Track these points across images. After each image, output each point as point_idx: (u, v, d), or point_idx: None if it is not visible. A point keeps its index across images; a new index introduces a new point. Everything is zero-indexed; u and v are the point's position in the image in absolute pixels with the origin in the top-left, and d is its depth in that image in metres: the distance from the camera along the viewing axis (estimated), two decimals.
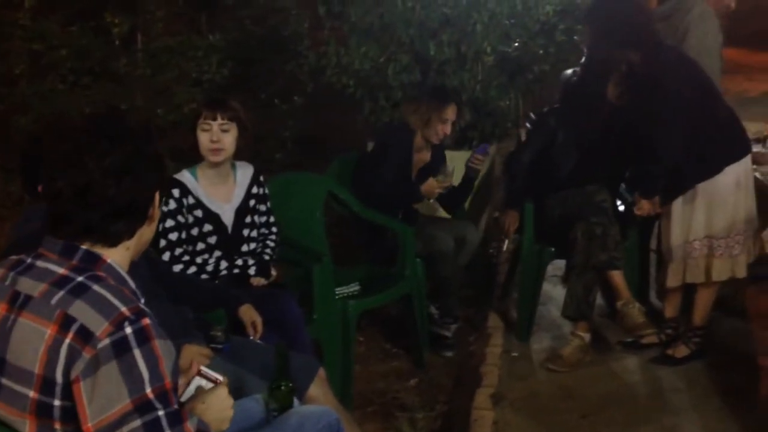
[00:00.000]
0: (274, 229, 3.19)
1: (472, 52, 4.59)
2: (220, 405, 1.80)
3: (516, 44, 4.99)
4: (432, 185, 3.79)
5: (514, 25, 4.85)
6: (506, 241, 4.11)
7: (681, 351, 3.67)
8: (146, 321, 1.53)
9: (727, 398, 3.35)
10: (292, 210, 3.49)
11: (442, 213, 4.39)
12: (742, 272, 3.57)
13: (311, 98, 5.93)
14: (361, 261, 3.89)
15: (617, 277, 3.63)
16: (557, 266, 4.48)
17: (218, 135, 2.93)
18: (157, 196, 1.70)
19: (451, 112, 3.88)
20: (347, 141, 5.48)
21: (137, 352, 1.50)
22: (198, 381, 1.91)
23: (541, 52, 5.11)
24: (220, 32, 5.46)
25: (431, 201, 3.98)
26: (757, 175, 3.86)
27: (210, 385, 1.90)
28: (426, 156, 4.00)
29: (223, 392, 1.83)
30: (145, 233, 1.71)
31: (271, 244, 3.15)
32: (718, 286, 3.64)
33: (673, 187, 3.54)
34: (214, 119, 2.92)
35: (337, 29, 4.81)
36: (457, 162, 4.54)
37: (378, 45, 4.59)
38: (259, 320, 2.67)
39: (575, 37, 6.45)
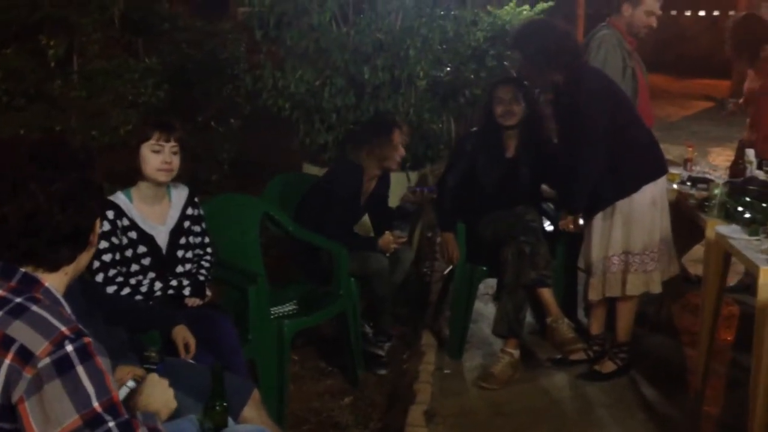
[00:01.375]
0: (209, 250, 3.20)
1: (406, 77, 4.69)
2: (159, 390, 1.87)
3: (448, 69, 5.13)
4: (388, 240, 3.85)
5: (446, 51, 4.99)
6: (450, 267, 4.16)
7: (607, 367, 3.81)
8: (87, 339, 1.56)
9: (653, 412, 3.49)
10: (228, 231, 3.51)
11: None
12: (656, 288, 3.71)
13: (248, 121, 5.97)
14: (296, 281, 3.92)
15: (547, 294, 3.74)
16: (489, 285, 4.59)
17: (170, 156, 2.98)
18: (98, 222, 1.73)
19: (398, 136, 3.98)
20: (284, 162, 5.53)
21: (80, 369, 1.52)
22: (125, 389, 1.96)
23: (472, 76, 5.28)
24: (156, 55, 5.47)
25: (364, 219, 4.02)
26: (675, 196, 4.03)
27: (135, 384, 1.96)
28: (373, 184, 4.06)
29: (154, 377, 1.91)
30: (84, 258, 1.74)
31: (206, 265, 3.17)
32: (636, 302, 3.77)
33: (593, 204, 3.68)
34: (167, 141, 2.98)
35: (273, 53, 4.87)
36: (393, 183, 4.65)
37: (313, 69, 4.65)
38: (192, 341, 2.68)
39: (505, 63, 6.67)
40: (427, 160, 5.14)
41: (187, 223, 3.12)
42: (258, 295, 3.19)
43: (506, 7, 7.61)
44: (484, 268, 4.01)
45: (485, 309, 4.57)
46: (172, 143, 2.98)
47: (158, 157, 2.97)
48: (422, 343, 4.10)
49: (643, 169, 3.65)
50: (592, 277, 3.75)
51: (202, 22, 6.30)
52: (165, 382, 1.89)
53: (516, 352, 3.80)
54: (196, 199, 3.18)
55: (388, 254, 3.84)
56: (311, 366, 3.90)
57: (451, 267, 4.21)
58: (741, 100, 5.13)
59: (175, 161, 3.00)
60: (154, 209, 3.06)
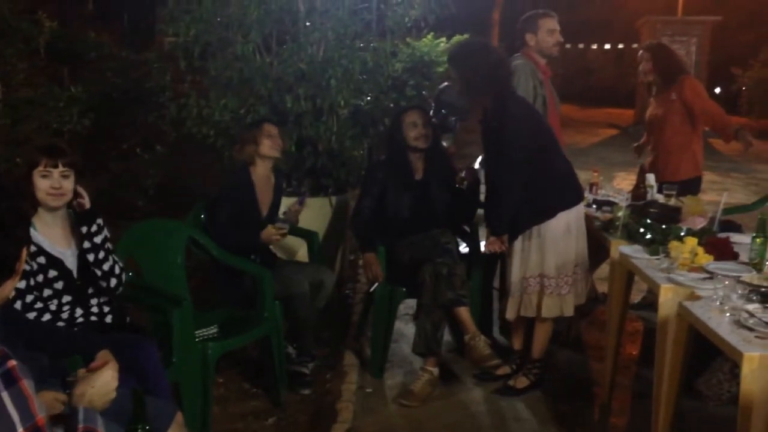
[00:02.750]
0: (117, 270, 3.18)
1: (327, 105, 4.81)
2: (105, 385, 1.99)
3: (368, 98, 5.29)
4: (270, 232, 3.96)
5: (367, 81, 5.14)
6: (375, 284, 4.25)
7: (521, 382, 3.98)
8: (12, 363, 1.55)
9: (564, 424, 3.65)
10: (153, 256, 3.55)
11: (300, 256, 4.56)
12: (569, 311, 3.89)
13: (174, 148, 5.99)
14: (222, 304, 3.97)
15: (464, 313, 3.88)
16: (409, 305, 4.73)
17: (59, 181, 2.97)
18: (24, 250, 1.74)
19: (268, 127, 4.09)
20: (209, 188, 5.56)
21: (5, 395, 1.52)
22: None
23: (391, 105, 5.45)
24: (82, 84, 5.46)
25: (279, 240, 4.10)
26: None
27: None
28: (270, 194, 4.14)
29: (109, 373, 2.02)
30: (9, 286, 1.74)
31: (115, 282, 3.15)
32: (552, 322, 3.96)
33: (513, 227, 3.86)
34: (55, 166, 2.97)
35: (198, 82, 4.94)
36: (312, 206, 4.75)
37: (237, 97, 4.74)
38: (115, 367, 2.71)
39: (423, 92, 6.88)
40: (349, 185, 5.26)
41: (89, 244, 3.11)
42: (182, 319, 3.23)
43: (424, 39, 7.85)
44: (404, 289, 4.14)
45: (405, 329, 4.70)
46: (61, 168, 2.97)
47: (47, 182, 2.96)
48: (344, 363, 4.19)
49: (560, 197, 3.82)
50: (510, 297, 3.92)
51: (129, 52, 6.32)
52: (115, 381, 2.00)
53: (435, 370, 3.93)
54: (99, 221, 3.15)
55: (271, 245, 3.95)
56: (235, 387, 3.94)
57: (372, 288, 4.33)
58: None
59: (66, 185, 2.98)
60: (58, 233, 3.05)
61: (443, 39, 8.17)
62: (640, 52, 5.18)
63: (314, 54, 4.86)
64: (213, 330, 3.56)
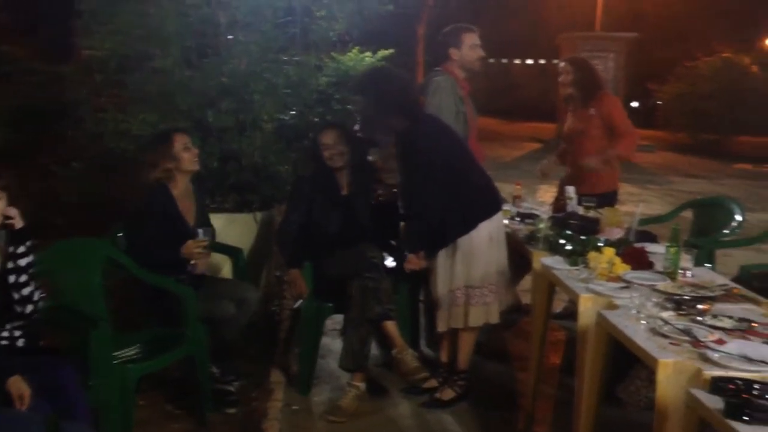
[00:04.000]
0: (36, 297, 3.08)
1: (251, 120, 4.77)
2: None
3: (293, 112, 5.26)
4: (190, 247, 3.85)
5: (291, 95, 5.11)
6: (300, 301, 4.22)
7: (448, 394, 4.00)
8: None
9: None
10: (70, 276, 3.44)
11: (225, 272, 4.48)
12: (495, 318, 3.96)
13: (93, 163, 5.81)
14: (144, 324, 3.87)
15: (391, 327, 3.89)
16: (336, 320, 4.70)
17: None
18: None
19: (180, 138, 3.97)
20: (129, 205, 5.40)
21: None
22: None
23: (316, 119, 5.43)
24: None
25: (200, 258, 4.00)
26: (509, 230, 4.31)
27: None
28: (192, 205, 4.05)
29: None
30: None
31: (31, 309, 3.05)
32: (476, 332, 4.01)
33: (436, 242, 3.89)
34: None
35: (116, 96, 4.82)
36: (237, 222, 4.69)
37: (157, 112, 4.64)
38: (27, 393, 2.61)
39: (349, 106, 6.89)
40: (275, 201, 5.21)
41: (12, 264, 3.01)
42: (100, 340, 3.14)
43: (350, 54, 7.87)
44: (331, 305, 4.12)
45: (333, 344, 4.67)
46: None
47: None
48: (271, 380, 4.14)
49: (479, 208, 3.89)
50: (439, 310, 3.95)
51: (46, 65, 6.13)
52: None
53: (362, 385, 3.92)
54: (30, 243, 3.04)
55: (193, 261, 3.85)
56: (158, 409, 3.83)
57: (298, 304, 4.29)
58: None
59: None
60: None
61: (368, 53, 8.20)
62: (562, 64, 5.27)
63: (237, 68, 4.81)
64: (134, 351, 3.47)
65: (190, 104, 4.62)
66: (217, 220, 4.32)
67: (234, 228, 4.64)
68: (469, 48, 4.54)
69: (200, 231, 3.87)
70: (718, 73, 19.67)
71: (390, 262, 4.36)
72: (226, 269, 4.48)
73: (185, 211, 3.99)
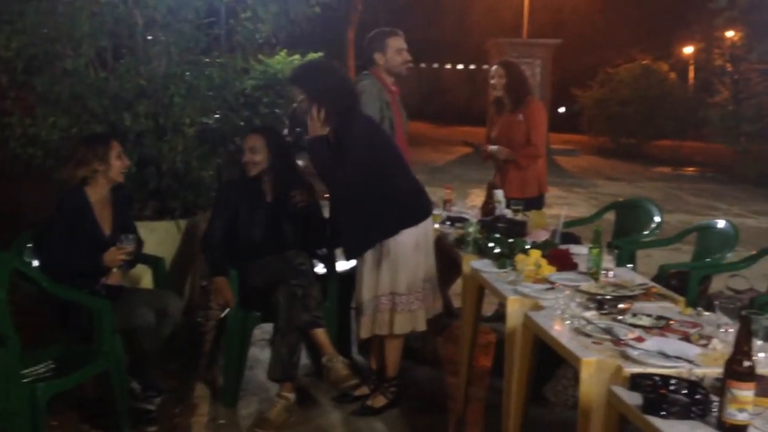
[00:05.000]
0: None
1: (171, 124, 4.62)
2: None
3: (216, 116, 5.13)
4: (113, 254, 3.70)
5: (214, 98, 4.98)
6: (227, 310, 4.11)
7: (379, 401, 3.94)
8: None
9: None
10: None
11: (146, 283, 4.33)
12: (421, 326, 3.89)
13: (2, 170, 5.54)
14: (55, 339, 3.68)
15: (321, 334, 3.81)
16: (265, 330, 4.60)
17: None
18: None
19: (117, 147, 3.85)
20: (40, 213, 5.17)
21: None
22: None
23: (242, 123, 5.32)
24: None
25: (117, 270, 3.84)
26: (439, 234, 4.29)
27: None
28: (110, 212, 3.89)
29: None
30: None
31: None
32: (403, 339, 3.95)
33: (359, 242, 3.82)
34: None
35: (22, 99, 4.59)
36: (157, 230, 4.53)
37: (68, 115, 4.44)
38: None
39: (277, 110, 6.78)
40: (198, 207, 5.07)
41: None
42: (6, 358, 2.96)
43: (277, 56, 7.77)
44: (258, 314, 4.02)
45: (261, 354, 4.56)
46: None
47: None
48: (195, 395, 4.02)
49: (406, 214, 3.83)
50: (363, 316, 3.89)
51: None
52: None
53: (292, 395, 3.82)
54: None
55: (115, 269, 3.72)
56: (72, 430, 3.65)
57: (225, 313, 4.17)
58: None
59: None
60: None
61: (297, 56, 8.11)
62: (495, 67, 5.31)
63: (155, 69, 4.65)
64: (44, 369, 3.29)
65: (104, 107, 4.44)
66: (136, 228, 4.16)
67: (155, 236, 4.48)
68: (395, 52, 4.52)
69: (123, 237, 3.72)
70: (638, 80, 20.33)
71: (320, 268, 4.30)
72: (147, 280, 4.32)
73: (101, 219, 3.83)
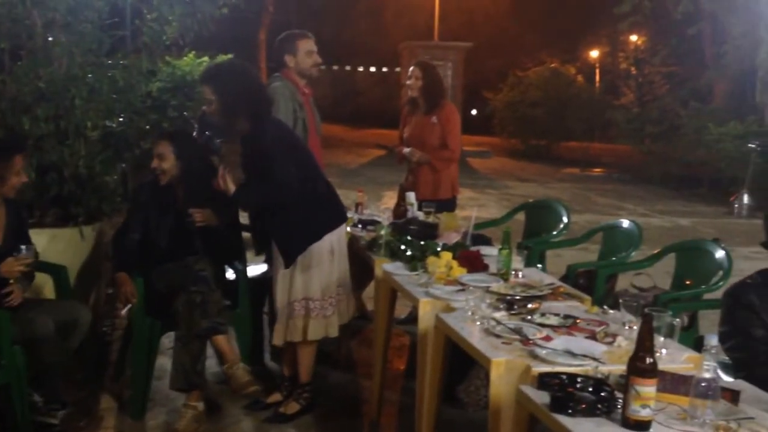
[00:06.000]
0: None
1: (73, 127, 4.46)
2: None
3: (121, 119, 4.97)
4: (11, 265, 3.54)
5: (118, 101, 4.83)
6: (128, 306, 3.99)
7: (292, 407, 3.90)
8: None
9: None
10: None
11: (47, 292, 4.16)
12: (334, 332, 3.87)
13: None
14: None
15: (222, 341, 3.74)
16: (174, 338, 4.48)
17: None
18: None
19: (20, 161, 3.68)
20: None
21: None
22: None
23: (147, 127, 5.18)
24: None
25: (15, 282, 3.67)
26: (351, 237, 4.27)
27: None
28: (2, 222, 3.72)
29: None
30: None
31: None
32: (316, 344, 3.92)
33: (293, 251, 3.74)
34: None
35: None
36: (59, 238, 4.36)
37: None
38: None
39: (186, 113, 6.64)
40: (103, 214, 4.90)
41: None
42: None
43: (185, 58, 7.62)
44: (160, 322, 3.91)
45: (169, 364, 4.40)
46: None
47: None
48: (101, 407, 3.91)
49: (325, 220, 3.80)
50: (277, 323, 3.84)
51: None
52: None
53: (200, 405, 3.74)
54: None
55: (11, 280, 3.56)
56: None
57: (125, 310, 4.07)
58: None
59: None
60: None
61: (206, 58, 7.98)
62: (412, 67, 5.35)
63: (55, 71, 4.48)
64: None
65: (2, 111, 4.25)
66: (37, 236, 3.99)
67: (56, 244, 4.31)
68: (305, 54, 4.50)
69: (23, 248, 3.55)
70: (546, 82, 20.89)
71: (231, 274, 4.22)
72: (48, 289, 4.15)
73: None
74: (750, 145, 12.48)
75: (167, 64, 7.20)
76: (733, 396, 2.21)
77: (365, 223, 4.57)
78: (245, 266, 4.30)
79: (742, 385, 2.32)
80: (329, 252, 3.81)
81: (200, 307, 3.69)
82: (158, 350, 4.09)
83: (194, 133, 6.54)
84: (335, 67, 28.58)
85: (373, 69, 28.73)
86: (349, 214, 4.57)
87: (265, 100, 3.80)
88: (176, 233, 4.01)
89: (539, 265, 4.49)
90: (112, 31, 4.91)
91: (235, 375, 3.68)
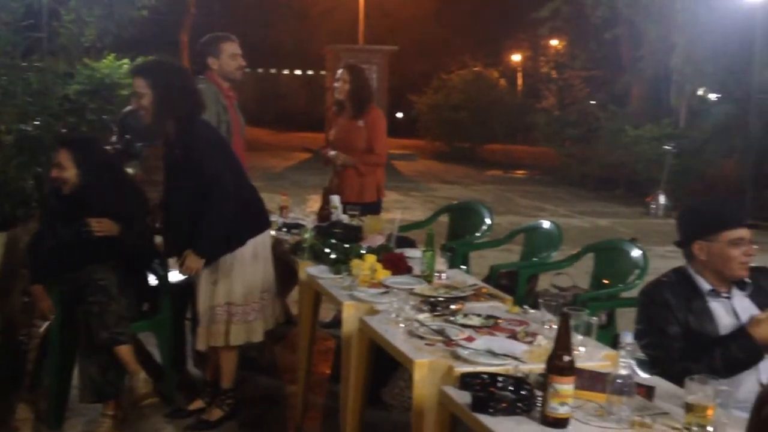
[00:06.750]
0: None
1: None
2: None
3: (37, 123, 4.83)
4: None
5: (33, 104, 4.69)
6: (46, 324, 3.88)
7: (215, 414, 3.84)
8: None
9: None
10: None
11: None
12: (257, 337, 3.83)
13: None
14: None
15: (123, 352, 3.64)
16: None
17: None
18: None
19: None
20: None
21: None
22: None
23: (65, 130, 5.04)
24: None
25: None
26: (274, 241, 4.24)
27: None
28: None
29: None
30: None
31: None
32: (237, 350, 3.86)
33: (217, 254, 3.67)
34: None
35: None
36: None
37: None
38: None
39: (105, 117, 6.49)
40: (18, 219, 4.74)
41: None
42: None
43: (105, 61, 7.45)
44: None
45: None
46: None
47: None
48: (16, 418, 3.79)
49: (249, 224, 3.76)
50: (199, 327, 3.77)
51: None
52: None
53: (118, 413, 3.67)
54: None
55: None
56: None
57: (45, 326, 3.95)
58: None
59: None
60: None
61: (126, 60, 7.81)
62: (340, 70, 5.34)
63: None
64: None
65: None
66: None
67: None
68: (229, 57, 4.45)
69: None
70: (470, 86, 21.20)
71: (153, 280, 4.13)
72: None
73: None
74: (665, 146, 12.93)
75: (86, 67, 7.04)
76: (648, 392, 2.27)
77: (289, 227, 4.54)
78: (167, 272, 4.22)
79: (656, 381, 2.40)
80: (252, 257, 3.77)
81: (98, 317, 3.60)
82: (76, 359, 3.97)
83: (114, 137, 6.40)
84: (260, 70, 28.32)
85: (298, 72, 28.58)
86: (274, 218, 4.54)
87: (199, 100, 3.74)
88: (81, 242, 3.88)
89: (463, 267, 4.55)
90: (28, 33, 4.76)
91: (133, 387, 3.60)
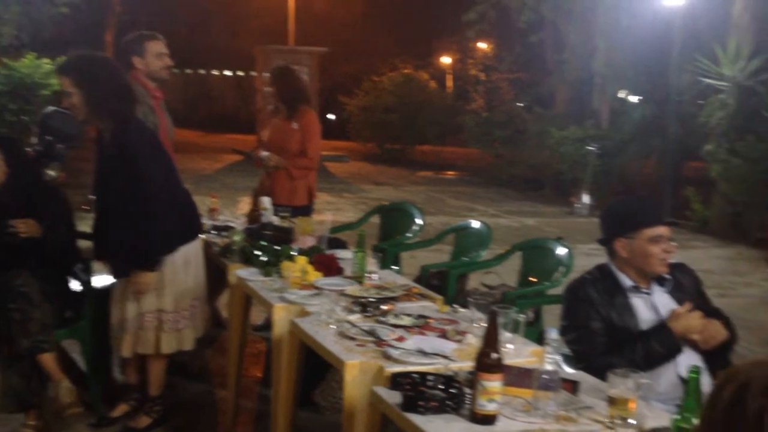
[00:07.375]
0: None
1: None
2: None
3: None
4: None
5: None
6: None
7: (143, 421, 3.76)
8: None
9: None
10: None
11: None
12: (188, 345, 3.77)
13: None
14: None
15: (46, 360, 3.54)
16: None
17: None
18: None
19: None
20: None
21: None
22: None
23: None
24: None
25: None
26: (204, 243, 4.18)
27: None
28: None
29: None
30: None
31: None
32: (166, 358, 3.79)
33: (140, 262, 3.57)
34: None
35: None
36: None
37: None
38: None
39: (24, 117, 6.29)
40: None
41: None
42: None
43: (24, 60, 7.24)
44: None
45: None
46: None
47: None
48: None
49: (182, 230, 3.69)
50: (126, 333, 3.68)
51: None
52: None
53: (40, 423, 3.57)
54: None
55: None
56: None
57: None
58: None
59: None
60: None
61: (47, 59, 7.59)
62: (272, 71, 5.31)
63: None
64: None
65: None
66: None
67: None
68: (154, 56, 4.36)
69: None
70: (400, 88, 21.32)
71: (77, 285, 4.01)
72: None
73: None
74: (588, 147, 13.29)
75: (4, 67, 6.82)
76: (573, 387, 2.33)
77: (219, 229, 4.48)
78: (90, 276, 4.10)
79: (581, 376, 2.46)
80: (184, 263, 3.70)
81: (19, 324, 3.49)
82: None
83: (34, 139, 6.19)
84: (188, 71, 27.85)
85: (228, 73, 28.22)
86: (203, 221, 4.47)
87: (132, 97, 3.62)
88: (2, 245, 3.74)
89: (394, 267, 4.58)
90: None
91: (58, 395, 3.51)
